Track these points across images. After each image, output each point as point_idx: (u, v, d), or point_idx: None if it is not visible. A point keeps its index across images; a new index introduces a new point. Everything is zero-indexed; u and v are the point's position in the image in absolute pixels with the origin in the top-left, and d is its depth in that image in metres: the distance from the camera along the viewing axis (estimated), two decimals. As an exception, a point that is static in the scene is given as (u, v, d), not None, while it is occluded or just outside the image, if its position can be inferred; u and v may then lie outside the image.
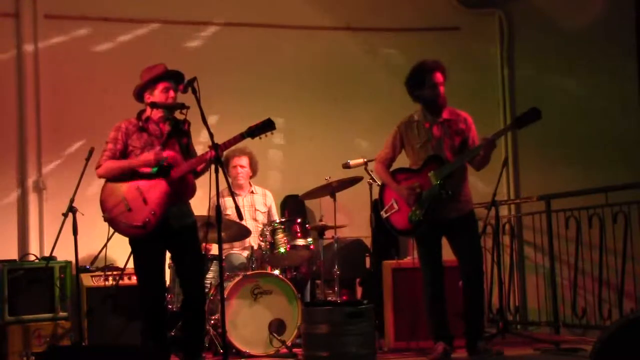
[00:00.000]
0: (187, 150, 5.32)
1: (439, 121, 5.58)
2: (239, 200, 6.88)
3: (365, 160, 6.48)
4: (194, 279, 5.33)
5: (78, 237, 6.13)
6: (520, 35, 8.66)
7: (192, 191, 5.27)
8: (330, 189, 6.58)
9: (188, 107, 5.14)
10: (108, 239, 6.35)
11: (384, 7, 8.41)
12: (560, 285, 7.13)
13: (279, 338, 6.00)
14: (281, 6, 8.13)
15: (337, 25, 8.35)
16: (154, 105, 5.23)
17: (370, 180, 6.51)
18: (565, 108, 8.21)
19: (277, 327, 6.06)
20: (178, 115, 5.30)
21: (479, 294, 5.57)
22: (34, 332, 6.14)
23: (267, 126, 5.21)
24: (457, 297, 5.64)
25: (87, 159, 6.27)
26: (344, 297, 6.95)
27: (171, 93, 5.24)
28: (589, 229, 6.71)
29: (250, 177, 7.12)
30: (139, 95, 5.35)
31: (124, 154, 5.26)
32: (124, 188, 5.19)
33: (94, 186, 7.16)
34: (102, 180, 7.29)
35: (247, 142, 6.78)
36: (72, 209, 6.16)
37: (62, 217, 6.19)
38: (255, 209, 7.01)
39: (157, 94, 5.25)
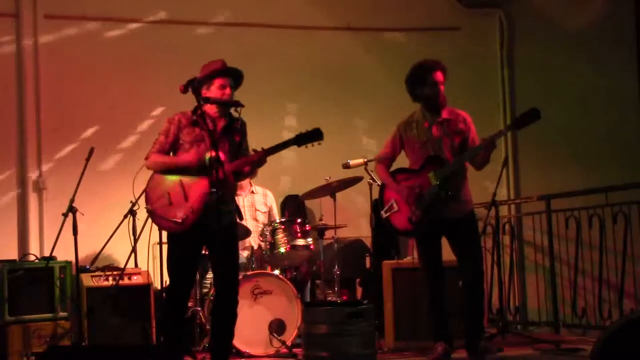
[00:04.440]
0: (239, 149, 5.24)
1: (438, 121, 5.57)
2: (240, 200, 6.87)
3: (365, 160, 6.48)
4: (229, 278, 5.27)
5: (78, 237, 6.14)
6: (520, 35, 8.67)
7: (232, 191, 5.23)
8: (330, 189, 6.57)
9: (242, 106, 5.04)
10: (108, 239, 6.38)
11: (384, 7, 8.41)
12: (560, 285, 7.13)
13: (279, 338, 6.00)
14: (281, 6, 8.13)
15: (337, 25, 8.36)
16: (206, 100, 5.13)
17: (370, 180, 6.51)
18: (565, 108, 8.22)
19: (277, 327, 6.06)
20: (233, 113, 5.20)
21: (479, 294, 5.56)
22: (34, 332, 6.13)
23: (315, 136, 5.16)
24: (457, 297, 5.63)
25: (87, 159, 6.27)
26: (344, 297, 6.95)
27: (227, 90, 5.16)
28: (589, 229, 6.71)
29: (251, 177, 7.11)
30: (196, 89, 5.22)
31: (175, 146, 5.21)
32: (169, 182, 5.14)
33: (94, 186, 7.20)
34: (102, 180, 7.39)
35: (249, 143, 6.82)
36: (72, 209, 6.16)
37: (62, 217, 6.19)
38: (256, 209, 7.01)
39: (214, 90, 5.16)
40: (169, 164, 5.15)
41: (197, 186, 5.07)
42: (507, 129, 5.81)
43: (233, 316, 5.21)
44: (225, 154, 5.07)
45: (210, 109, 5.18)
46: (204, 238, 5.18)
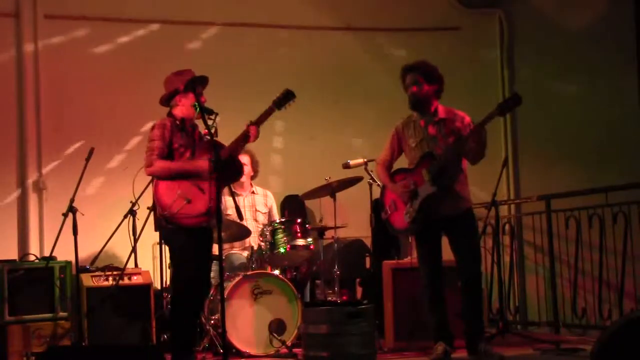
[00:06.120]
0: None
1: (435, 120, 5.59)
2: (240, 200, 6.88)
3: (365, 160, 6.48)
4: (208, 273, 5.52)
5: (78, 237, 6.14)
6: (520, 36, 8.67)
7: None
8: (330, 189, 6.57)
9: (217, 114, 5.21)
10: (108, 239, 6.38)
11: (384, 7, 8.41)
12: (560, 285, 7.12)
13: (279, 338, 6.00)
14: (281, 6, 8.13)
15: (337, 25, 8.36)
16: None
17: (370, 180, 6.51)
18: (565, 108, 8.22)
19: (277, 327, 6.06)
20: (207, 119, 5.33)
21: (478, 294, 5.56)
22: (34, 332, 6.13)
23: (290, 95, 5.52)
24: (457, 297, 5.63)
25: (87, 159, 6.28)
26: (344, 297, 6.96)
27: (204, 97, 5.35)
28: (589, 229, 6.71)
29: (252, 178, 7.11)
30: (169, 97, 5.40)
31: (169, 151, 5.31)
32: (176, 183, 5.23)
33: (94, 186, 7.21)
34: (102, 180, 7.39)
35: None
36: (72, 209, 6.16)
37: (62, 217, 6.19)
38: (256, 210, 7.01)
39: (190, 98, 5.32)
40: (180, 170, 5.25)
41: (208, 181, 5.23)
42: (491, 115, 5.52)
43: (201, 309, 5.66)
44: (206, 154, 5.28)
45: (190, 114, 5.37)
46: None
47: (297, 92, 8.01)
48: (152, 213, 6.22)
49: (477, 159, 5.52)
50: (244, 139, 5.39)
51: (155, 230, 5.66)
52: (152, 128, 5.33)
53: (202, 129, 5.39)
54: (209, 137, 5.18)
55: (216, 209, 5.09)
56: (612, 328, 3.50)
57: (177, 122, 5.34)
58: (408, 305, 6.17)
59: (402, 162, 5.79)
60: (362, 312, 5.40)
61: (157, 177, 5.27)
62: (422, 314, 5.75)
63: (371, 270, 7.04)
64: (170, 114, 5.41)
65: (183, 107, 5.36)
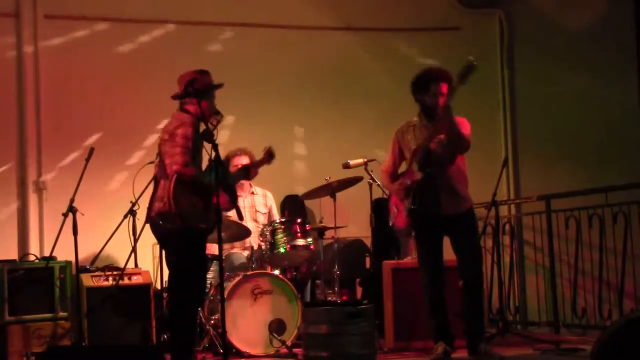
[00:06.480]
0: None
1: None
2: (240, 201, 6.86)
3: (365, 160, 6.47)
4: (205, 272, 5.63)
5: (78, 237, 6.14)
6: (520, 36, 8.67)
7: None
8: (330, 189, 6.57)
9: (222, 116, 5.27)
10: (108, 239, 6.38)
11: (384, 7, 8.41)
12: (560, 285, 7.13)
13: (279, 338, 6.00)
14: (281, 6, 8.12)
15: (337, 25, 8.35)
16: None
17: (370, 180, 6.50)
18: (565, 108, 8.22)
19: (277, 327, 6.06)
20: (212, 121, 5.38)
21: (479, 294, 5.56)
22: (34, 332, 6.13)
23: (272, 154, 5.84)
24: (457, 298, 5.63)
25: (87, 159, 6.27)
26: (344, 297, 6.95)
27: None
28: (589, 229, 6.71)
29: (250, 178, 7.10)
30: (183, 96, 5.34)
31: None
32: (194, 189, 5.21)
33: (94, 186, 7.19)
34: (102, 180, 7.37)
35: (248, 143, 6.85)
36: (72, 209, 6.16)
37: (62, 217, 6.19)
38: (256, 210, 7.01)
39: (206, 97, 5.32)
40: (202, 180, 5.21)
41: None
42: (455, 88, 5.39)
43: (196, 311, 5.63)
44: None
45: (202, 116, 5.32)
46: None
47: (297, 92, 8.14)
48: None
49: (460, 142, 5.43)
50: (244, 175, 5.78)
51: (146, 222, 5.62)
52: (182, 124, 5.18)
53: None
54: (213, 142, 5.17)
55: (214, 224, 5.14)
56: (612, 328, 3.50)
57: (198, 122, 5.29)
58: (408, 305, 6.17)
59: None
60: (362, 312, 5.40)
61: (182, 179, 5.10)
62: (422, 314, 5.75)
63: (371, 270, 7.04)
64: (184, 109, 5.32)
65: (197, 106, 5.24)
